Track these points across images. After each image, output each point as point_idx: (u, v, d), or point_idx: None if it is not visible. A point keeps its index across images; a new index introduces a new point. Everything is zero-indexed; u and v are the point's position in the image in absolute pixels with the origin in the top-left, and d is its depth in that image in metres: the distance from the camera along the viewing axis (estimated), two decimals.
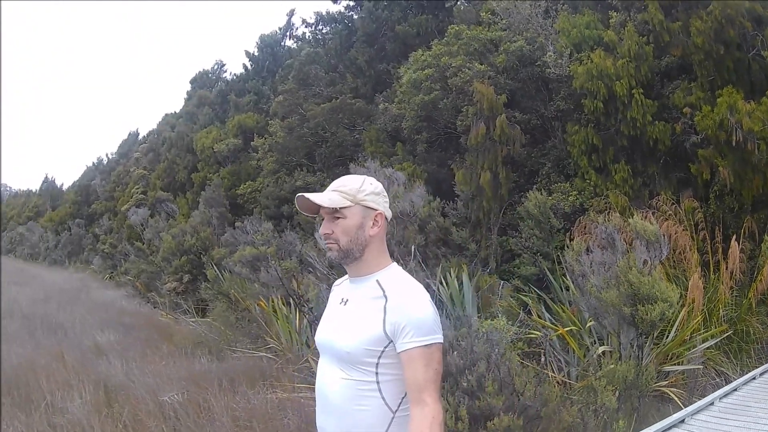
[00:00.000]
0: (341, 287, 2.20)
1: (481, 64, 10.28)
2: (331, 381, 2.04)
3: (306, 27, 20.96)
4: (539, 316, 7.02)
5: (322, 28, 19.47)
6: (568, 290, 7.41)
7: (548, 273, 8.01)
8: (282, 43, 24.26)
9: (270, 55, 23.88)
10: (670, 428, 4.63)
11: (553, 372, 6.21)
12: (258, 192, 17.09)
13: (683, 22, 9.11)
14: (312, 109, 14.61)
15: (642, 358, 5.80)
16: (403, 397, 1.94)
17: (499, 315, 5.94)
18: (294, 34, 24.44)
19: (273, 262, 9.93)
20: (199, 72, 33.23)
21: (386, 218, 2.09)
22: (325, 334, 2.12)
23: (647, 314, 5.52)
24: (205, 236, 14.64)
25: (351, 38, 16.20)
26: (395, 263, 2.11)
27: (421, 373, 1.84)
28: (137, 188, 28.83)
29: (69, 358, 7.54)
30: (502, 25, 11.07)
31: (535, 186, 9.24)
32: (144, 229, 22.58)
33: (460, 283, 6.96)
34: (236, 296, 10.84)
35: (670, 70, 9.48)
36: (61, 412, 5.49)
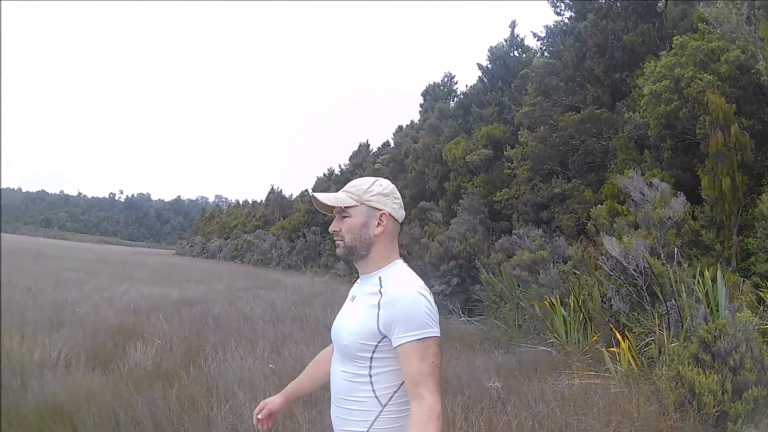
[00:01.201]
0: (355, 284, 2.39)
1: (708, 74, 11.29)
2: (334, 372, 2.27)
3: (537, 40, 22.49)
4: None
5: (553, 41, 20.96)
6: None
7: None
8: (510, 54, 25.55)
9: (502, 66, 25.15)
10: None
11: None
12: (515, 199, 18.37)
13: None
14: (563, 120, 15.96)
15: None
16: (394, 392, 2.11)
17: (744, 308, 6.89)
18: (518, 43, 26.01)
19: (550, 265, 11.49)
20: (430, 85, 36.23)
21: (394, 218, 2.29)
22: (333, 328, 2.33)
23: None
24: (474, 242, 15.91)
25: (582, 49, 17.28)
26: (401, 260, 2.27)
27: (415, 367, 1.98)
28: None
29: None
30: (717, 35, 11.87)
31: (765, 189, 10.01)
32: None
33: (711, 281, 7.92)
34: (519, 296, 11.73)
35: None
36: None
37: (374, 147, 47.04)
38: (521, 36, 26.48)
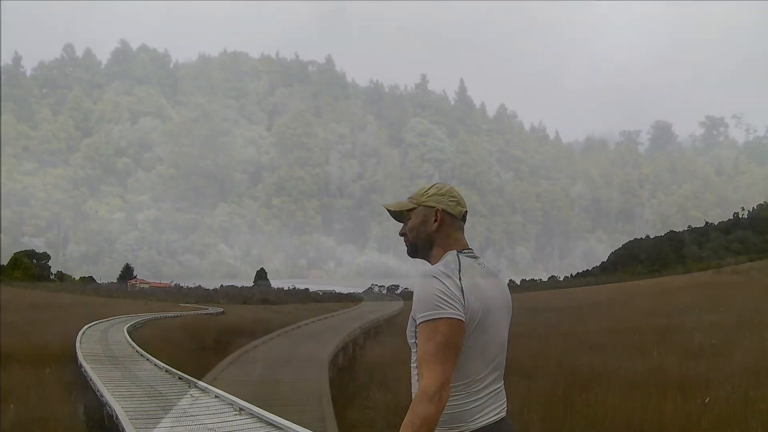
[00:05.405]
0: None
1: None
2: None
3: None
4: None
5: None
6: None
7: None
8: None
9: None
10: None
11: None
12: None
13: None
14: None
15: None
16: None
17: None
18: None
19: None
20: None
21: (451, 214, 2.29)
22: None
23: None
24: None
25: None
26: (452, 251, 2.22)
27: (422, 348, 1.95)
28: None
29: None
30: None
31: None
32: None
33: None
34: None
35: None
36: None
37: None
38: None
